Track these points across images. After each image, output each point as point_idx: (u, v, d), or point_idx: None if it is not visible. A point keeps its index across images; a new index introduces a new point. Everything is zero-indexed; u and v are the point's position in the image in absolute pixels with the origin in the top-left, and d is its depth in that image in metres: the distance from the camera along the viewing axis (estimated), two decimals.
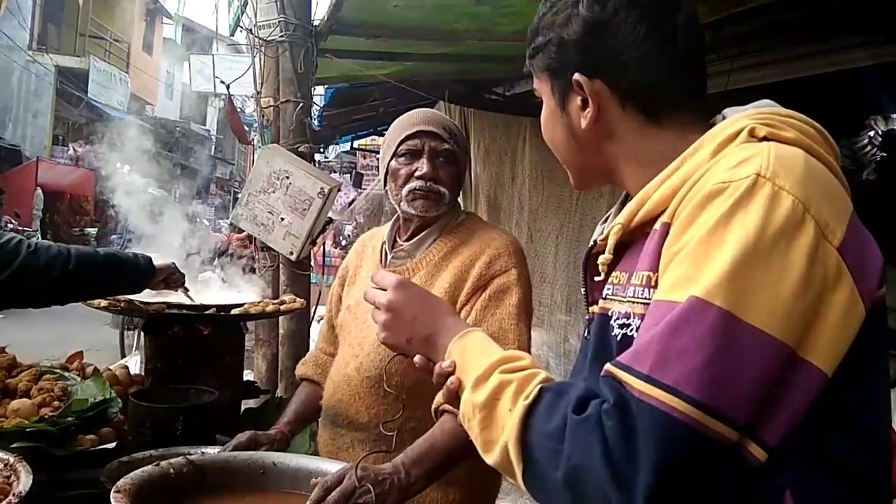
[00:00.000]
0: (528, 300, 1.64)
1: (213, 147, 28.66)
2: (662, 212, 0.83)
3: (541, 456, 0.78)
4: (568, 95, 0.94)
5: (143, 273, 1.93)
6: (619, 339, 0.85)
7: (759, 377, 0.70)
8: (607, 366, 0.76)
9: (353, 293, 1.79)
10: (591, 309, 0.97)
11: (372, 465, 1.32)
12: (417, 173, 1.64)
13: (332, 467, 1.33)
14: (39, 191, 14.75)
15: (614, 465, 0.70)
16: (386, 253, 1.76)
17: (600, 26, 0.90)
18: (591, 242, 0.94)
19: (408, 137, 1.66)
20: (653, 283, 0.81)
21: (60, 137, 18.10)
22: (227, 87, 4.24)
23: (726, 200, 0.74)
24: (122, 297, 2.02)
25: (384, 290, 1.06)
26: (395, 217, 1.79)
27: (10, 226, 11.52)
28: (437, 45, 4.04)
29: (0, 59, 15.49)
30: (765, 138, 0.81)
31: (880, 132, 4.44)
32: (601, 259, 0.90)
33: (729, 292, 0.71)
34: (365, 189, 9.60)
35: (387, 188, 1.73)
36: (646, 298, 0.81)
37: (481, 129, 4.54)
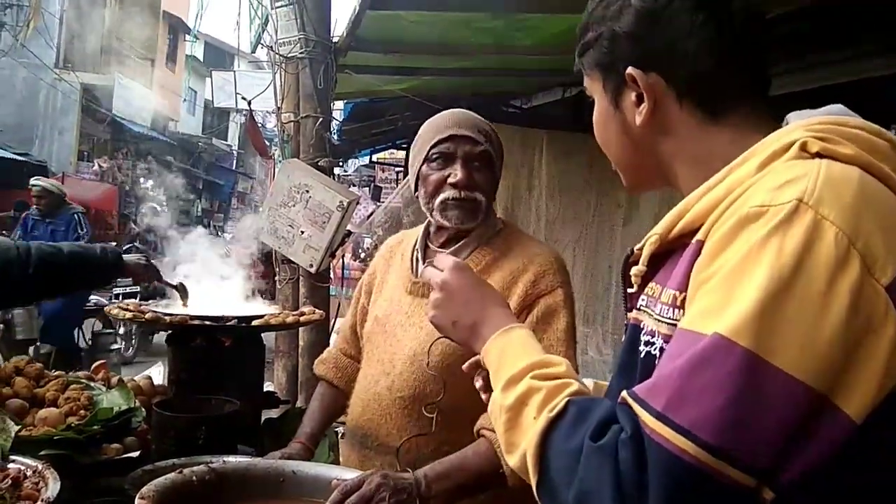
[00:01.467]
0: (573, 322, 1.56)
1: (235, 162, 28.97)
2: (702, 225, 0.77)
3: (556, 473, 0.76)
4: (622, 91, 0.90)
5: (111, 268, 1.97)
6: (643, 356, 0.82)
7: (783, 424, 0.65)
8: (624, 393, 0.74)
9: (381, 303, 1.70)
10: (628, 315, 0.93)
11: (393, 474, 1.31)
12: (451, 180, 1.54)
13: (350, 475, 1.34)
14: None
15: (623, 497, 0.67)
16: (417, 260, 1.66)
17: (654, 16, 0.85)
18: (629, 250, 0.90)
19: (440, 141, 1.56)
20: (678, 304, 0.77)
21: (86, 153, 18.42)
22: (249, 102, 4.32)
23: (762, 227, 0.69)
24: (146, 309, 2.06)
25: (442, 270, 1.06)
26: (426, 222, 1.70)
27: None
28: (454, 60, 4.09)
29: (28, 77, 15.83)
30: (818, 154, 0.74)
31: None
32: (634, 270, 0.86)
33: (756, 332, 0.66)
34: (383, 202, 9.65)
35: (417, 194, 1.64)
36: (671, 319, 0.78)
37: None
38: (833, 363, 0.65)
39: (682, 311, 0.76)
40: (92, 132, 18.58)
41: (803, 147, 0.75)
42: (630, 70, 0.87)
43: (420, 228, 1.73)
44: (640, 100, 0.88)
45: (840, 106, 0.82)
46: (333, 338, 2.06)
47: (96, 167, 17.63)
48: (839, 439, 0.66)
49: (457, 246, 1.62)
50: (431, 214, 1.61)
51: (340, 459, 1.80)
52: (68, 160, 17.31)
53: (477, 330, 1.00)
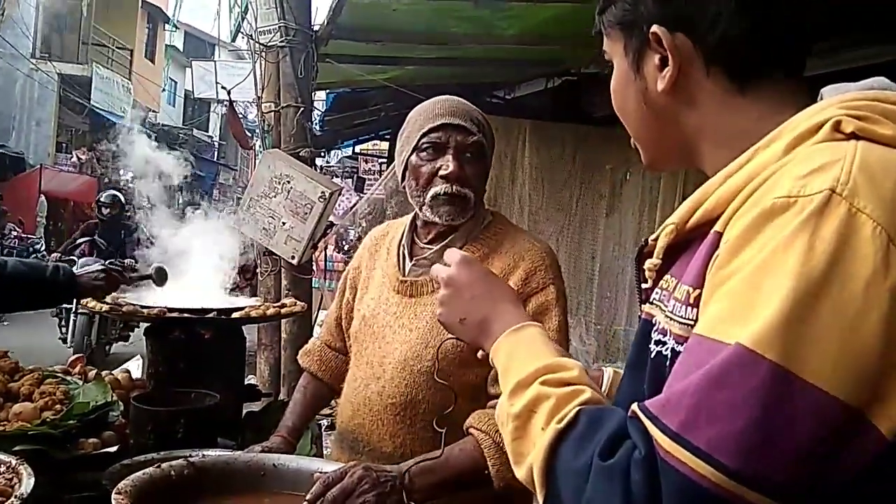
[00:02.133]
0: (566, 319, 1.50)
1: (217, 153, 28.74)
2: (721, 213, 0.70)
3: (564, 491, 0.70)
4: (644, 54, 0.81)
5: (62, 290, 1.85)
6: (653, 355, 0.76)
7: (813, 444, 0.58)
8: (635, 407, 0.67)
9: (367, 301, 1.64)
10: (642, 307, 0.86)
11: (375, 466, 1.29)
12: (442, 172, 1.47)
13: (332, 468, 1.32)
14: (43, 198, 14.80)
15: None
16: (404, 256, 1.61)
17: None
18: (643, 241, 0.82)
19: (431, 130, 1.49)
20: (691, 301, 0.70)
21: (64, 145, 18.16)
22: (228, 92, 4.26)
23: (789, 222, 0.61)
24: (123, 302, 2.03)
25: (449, 265, 1.01)
26: (412, 215, 1.64)
27: (14, 233, 11.54)
28: (438, 49, 4.06)
29: (3, 67, 15.56)
30: (853, 135, 0.65)
31: None
32: (648, 264, 0.78)
33: (784, 342, 0.58)
34: (367, 193, 9.61)
35: (404, 184, 1.58)
36: (683, 318, 0.71)
37: None
38: (870, 376, 0.58)
39: (695, 309, 0.69)
40: (70, 123, 18.33)
41: (836, 126, 0.66)
42: (655, 29, 0.77)
43: (406, 220, 1.67)
44: (663, 63, 0.79)
45: (882, 79, 0.73)
46: (317, 330, 2.03)
47: (75, 159, 17.40)
48: (870, 457, 0.59)
49: (444, 242, 1.56)
50: (421, 209, 1.54)
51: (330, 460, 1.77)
52: (46, 151, 17.06)
53: (486, 327, 0.95)
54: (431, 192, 1.50)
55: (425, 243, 1.59)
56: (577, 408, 0.73)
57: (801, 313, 0.59)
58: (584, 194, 4.25)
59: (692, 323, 0.69)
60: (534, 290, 1.47)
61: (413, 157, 1.53)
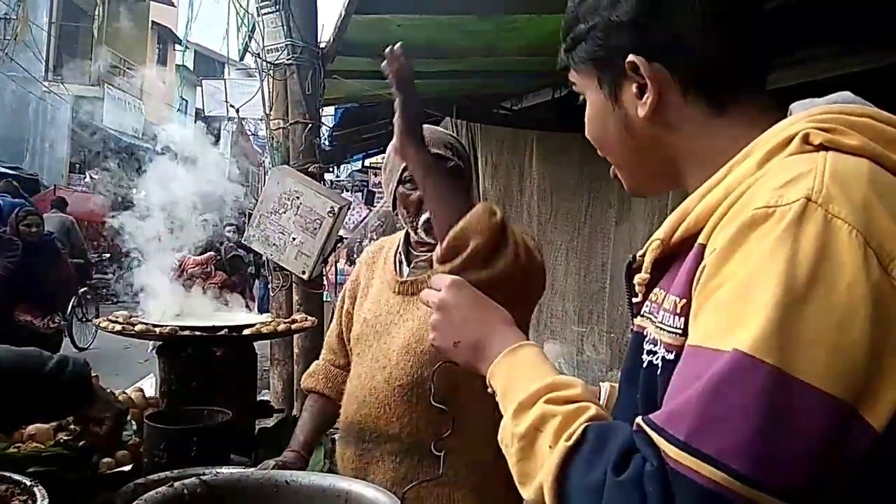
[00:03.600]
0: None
1: (227, 170, 28.84)
2: (703, 227, 0.73)
3: None
4: (620, 84, 0.83)
5: (69, 393, 1.30)
6: (644, 366, 0.77)
7: (816, 442, 0.60)
8: (640, 421, 0.68)
9: (368, 305, 1.74)
10: (633, 321, 0.88)
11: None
12: None
13: (345, 484, 1.32)
14: None
15: None
16: (401, 262, 1.71)
17: (655, 1, 0.79)
18: (631, 257, 0.85)
19: None
20: (679, 311, 0.72)
21: (77, 165, 18.36)
22: (237, 110, 4.31)
23: (771, 231, 0.64)
24: (136, 321, 2.04)
25: (439, 289, 1.00)
26: (405, 230, 1.74)
27: None
28: (443, 63, 4.08)
29: (17, 90, 15.78)
30: (821, 146, 0.69)
31: None
32: (638, 279, 0.81)
33: (779, 345, 0.61)
34: (377, 207, 9.65)
35: (397, 213, 1.70)
36: (672, 327, 0.73)
37: (488, 143, 4.57)
38: (859, 371, 0.61)
39: (682, 318, 0.72)
40: (83, 144, 18.54)
41: (805, 139, 0.70)
42: (632, 58, 0.80)
43: (400, 234, 1.78)
44: (641, 91, 0.81)
45: (847, 93, 0.77)
46: (332, 328, 2.03)
47: (88, 179, 17.58)
48: (863, 450, 0.61)
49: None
50: (416, 233, 1.67)
51: (337, 460, 1.80)
52: (60, 173, 17.25)
53: (481, 350, 0.94)
54: (423, 217, 1.61)
55: (421, 251, 1.70)
56: (584, 424, 0.73)
57: (791, 317, 0.61)
58: (594, 204, 4.24)
59: (680, 332, 0.72)
60: None
61: (399, 189, 1.66)
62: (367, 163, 10.87)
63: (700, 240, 0.72)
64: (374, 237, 7.83)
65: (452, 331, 0.97)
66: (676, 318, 0.73)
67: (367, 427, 1.64)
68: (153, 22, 21.20)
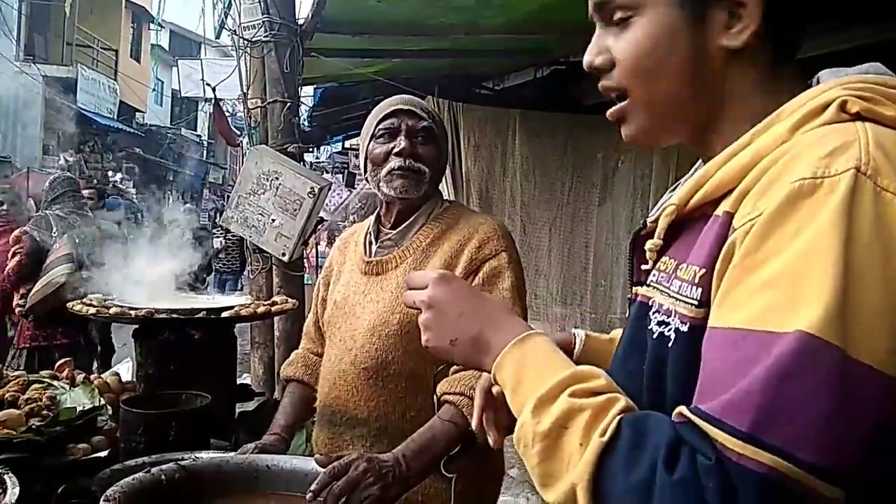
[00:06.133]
0: (521, 283, 1.61)
1: (205, 152, 28.59)
2: (725, 194, 0.70)
3: None
4: (710, 4, 0.74)
5: None
6: (655, 336, 0.74)
7: (881, 429, 0.58)
8: (685, 412, 0.64)
9: (339, 289, 1.75)
10: (634, 290, 0.86)
11: (376, 457, 1.33)
12: (395, 150, 1.60)
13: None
14: (31, 202, 14.69)
15: None
16: (370, 243, 1.72)
17: None
18: (641, 223, 0.82)
19: (385, 117, 1.63)
20: (697, 281, 0.69)
21: (51, 147, 18.02)
22: (213, 89, 4.22)
23: (823, 203, 0.60)
24: (110, 304, 1.99)
25: (423, 287, 0.90)
26: (377, 208, 1.77)
27: None
28: (424, 41, 4.02)
29: None
30: (858, 115, 0.66)
31: None
32: (649, 244, 0.77)
33: (843, 326, 0.57)
34: (357, 188, 9.58)
35: (367, 175, 1.70)
36: (689, 298, 0.70)
37: (470, 123, 4.52)
38: None
39: (700, 289, 0.69)
40: (56, 126, 18.18)
41: (842, 107, 0.67)
42: None
43: (371, 218, 1.79)
44: (731, 18, 0.73)
45: (877, 64, 0.74)
46: (310, 317, 2.01)
47: (62, 161, 17.26)
48: None
49: (406, 223, 1.67)
50: (379, 188, 1.66)
51: (312, 444, 1.79)
52: (33, 155, 16.91)
53: (482, 344, 0.84)
54: (386, 167, 1.62)
55: (389, 228, 1.71)
56: (618, 417, 0.67)
57: (853, 296, 0.58)
58: (577, 184, 4.22)
59: (696, 303, 0.69)
60: (487, 256, 1.58)
61: (371, 145, 1.66)
62: (347, 144, 10.77)
63: (725, 207, 0.69)
64: (355, 219, 7.77)
65: (447, 328, 0.87)
66: (694, 288, 0.70)
67: (337, 410, 1.65)
68: (127, 1, 20.74)
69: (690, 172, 0.92)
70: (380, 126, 1.64)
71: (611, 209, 4.11)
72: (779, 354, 0.58)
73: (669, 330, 0.72)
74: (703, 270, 0.69)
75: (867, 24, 2.92)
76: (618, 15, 0.77)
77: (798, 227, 0.61)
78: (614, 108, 0.80)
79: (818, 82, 0.74)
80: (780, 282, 0.61)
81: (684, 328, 0.71)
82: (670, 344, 0.72)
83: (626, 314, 0.90)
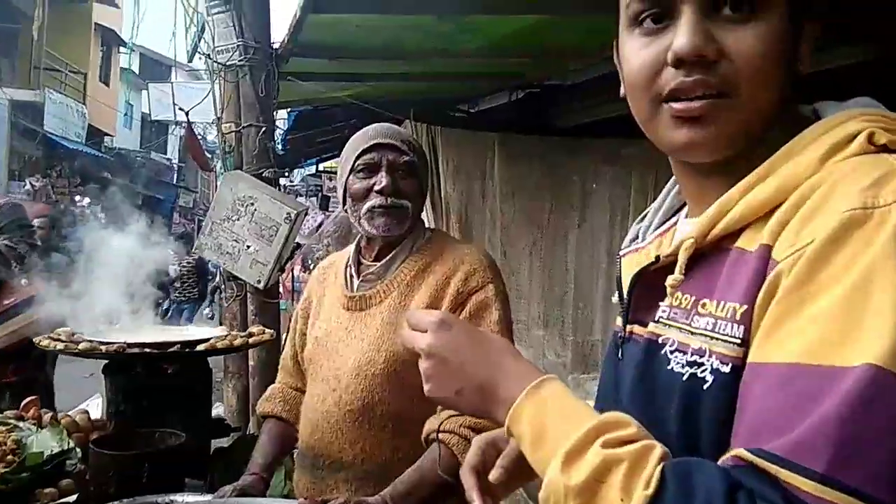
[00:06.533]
0: (508, 316, 1.58)
1: (176, 176, 28.32)
2: (745, 227, 0.69)
3: None
4: (802, 29, 0.73)
5: None
6: (685, 377, 0.70)
7: None
8: (743, 454, 0.60)
9: (320, 324, 1.70)
10: (629, 328, 0.83)
11: (361, 499, 1.31)
12: (376, 188, 1.56)
13: None
14: None
15: None
16: (352, 276, 1.67)
17: None
18: (654, 258, 0.78)
19: (364, 151, 1.58)
20: (738, 318, 0.66)
21: (17, 172, 17.67)
22: (186, 114, 4.15)
23: (876, 233, 0.59)
24: (78, 338, 1.91)
25: (423, 331, 0.83)
26: (357, 238, 1.72)
27: None
28: (400, 65, 4.00)
29: None
30: (884, 147, 0.66)
31: None
32: (671, 280, 0.73)
33: None
34: (332, 212, 9.51)
35: (345, 207, 1.66)
36: (732, 337, 0.67)
37: (449, 146, 4.51)
38: None
39: (742, 327, 0.65)
40: (23, 150, 17.84)
41: (870, 139, 0.67)
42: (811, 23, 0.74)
43: (350, 247, 1.73)
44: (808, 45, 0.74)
45: (868, 98, 0.74)
46: (287, 350, 1.93)
47: (28, 186, 16.93)
48: None
49: (389, 257, 1.64)
50: (360, 224, 1.61)
51: (294, 486, 1.73)
52: None
53: (491, 392, 0.78)
54: (367, 205, 1.57)
55: (370, 261, 1.66)
56: (660, 466, 0.62)
57: None
58: (556, 206, 4.21)
59: (738, 342, 0.66)
60: (473, 288, 1.55)
61: (350, 179, 1.61)
62: (321, 167, 10.70)
63: (762, 240, 0.66)
64: (330, 242, 7.69)
65: (451, 378, 0.80)
66: (735, 326, 0.66)
67: (321, 453, 1.59)
68: (96, 24, 20.54)
69: (661, 197, 0.90)
70: (359, 160, 1.59)
71: (590, 231, 4.11)
72: (848, 390, 0.55)
73: (704, 371, 0.68)
74: (745, 307, 0.66)
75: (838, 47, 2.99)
76: (746, 8, 0.69)
77: (852, 257, 0.59)
78: (707, 101, 0.71)
79: (815, 113, 0.74)
80: (836, 313, 0.58)
81: (725, 368, 0.67)
82: (706, 386, 0.68)
83: (620, 353, 0.85)
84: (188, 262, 11.41)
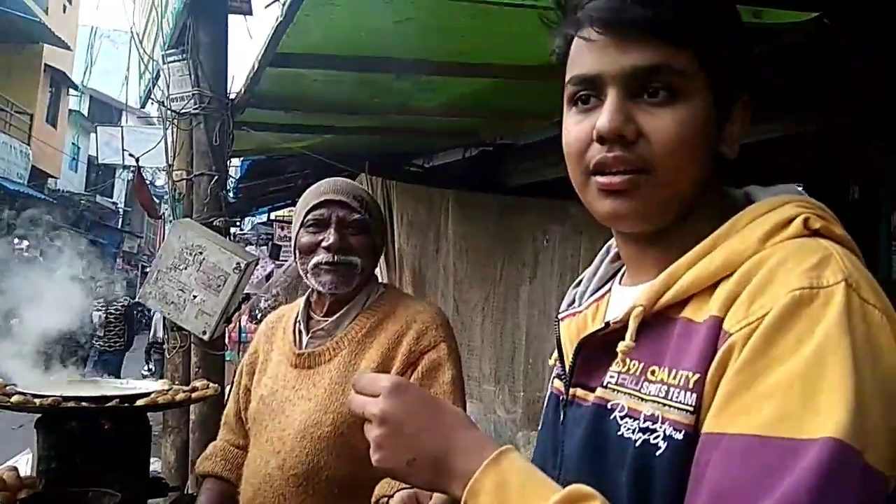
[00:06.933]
0: (460, 375, 1.56)
1: (121, 220, 27.68)
2: (690, 298, 0.73)
3: None
4: (732, 106, 0.79)
5: None
6: (637, 444, 0.72)
7: None
8: None
9: (266, 381, 1.65)
10: (571, 391, 0.84)
11: None
12: (324, 244, 1.55)
13: None
14: None
15: None
16: (300, 332, 1.64)
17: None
18: (603, 324, 0.80)
19: (314, 207, 1.58)
20: (691, 386, 0.69)
21: None
22: (137, 160, 4.09)
23: (824, 311, 0.64)
24: (11, 391, 1.82)
25: (375, 395, 0.79)
26: (307, 293, 1.69)
27: None
28: (357, 119, 4.05)
29: None
30: (817, 231, 0.72)
31: None
32: (622, 346, 0.76)
33: (861, 431, 0.59)
34: (283, 260, 9.40)
35: (296, 261, 1.65)
36: (685, 404, 0.69)
37: (404, 201, 4.54)
38: None
39: (695, 395, 0.68)
40: None
41: (805, 223, 0.72)
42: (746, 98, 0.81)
43: (300, 301, 1.70)
44: (730, 127, 0.80)
45: (792, 186, 0.81)
46: (230, 406, 1.86)
47: None
48: None
49: (340, 313, 1.61)
50: (308, 279, 1.60)
51: None
52: None
53: (444, 465, 0.75)
54: (314, 260, 1.56)
55: (321, 317, 1.63)
56: None
57: (863, 402, 0.60)
58: (508, 263, 4.25)
59: (691, 409, 0.69)
60: (426, 347, 1.53)
61: (300, 232, 1.60)
62: (273, 215, 10.62)
63: (712, 311, 0.70)
64: (279, 292, 7.57)
65: (404, 447, 0.76)
66: (688, 393, 0.69)
67: None
68: (46, 65, 20.24)
69: (595, 264, 0.95)
70: (309, 215, 1.58)
71: (541, 288, 4.15)
72: (815, 462, 0.58)
73: (657, 437, 0.70)
74: (697, 375, 0.69)
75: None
76: (662, 94, 0.75)
77: (802, 333, 0.63)
78: (627, 177, 0.76)
79: (746, 196, 0.81)
80: (793, 386, 0.62)
81: (678, 436, 0.69)
82: (658, 453, 0.70)
83: (562, 416, 0.86)
84: (115, 309, 10.16)
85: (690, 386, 0.69)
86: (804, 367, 0.62)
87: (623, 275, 0.91)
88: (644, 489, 0.70)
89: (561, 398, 0.88)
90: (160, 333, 9.38)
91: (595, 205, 0.80)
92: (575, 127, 0.80)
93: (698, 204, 0.79)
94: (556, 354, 0.94)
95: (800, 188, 0.80)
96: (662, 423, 0.70)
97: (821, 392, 0.61)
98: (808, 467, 0.58)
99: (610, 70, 0.76)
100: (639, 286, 0.82)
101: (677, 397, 0.70)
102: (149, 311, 11.67)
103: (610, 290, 0.91)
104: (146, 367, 11.98)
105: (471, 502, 0.71)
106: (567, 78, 0.81)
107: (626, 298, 0.83)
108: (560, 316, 0.95)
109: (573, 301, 0.95)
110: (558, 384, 0.90)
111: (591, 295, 0.93)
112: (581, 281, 0.97)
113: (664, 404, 0.71)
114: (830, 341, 0.62)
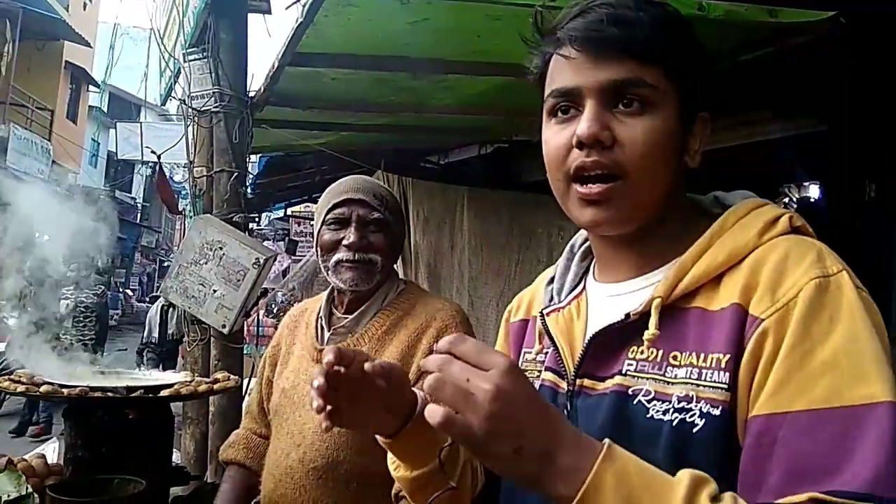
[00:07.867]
0: None
1: (140, 215, 27.95)
2: (698, 289, 0.82)
3: None
4: (693, 128, 0.89)
5: None
6: (674, 423, 0.78)
7: None
8: (821, 496, 0.67)
9: (287, 374, 1.67)
10: (578, 382, 0.89)
11: None
12: (344, 242, 1.58)
13: None
14: None
15: None
16: (322, 328, 1.66)
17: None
18: (623, 316, 0.85)
19: (336, 206, 1.61)
20: (723, 366, 0.77)
21: None
22: (158, 157, 4.15)
23: (841, 294, 0.75)
24: (40, 381, 1.88)
25: (484, 369, 0.69)
26: (329, 289, 1.71)
27: None
28: (374, 117, 4.08)
29: None
30: (797, 229, 0.84)
31: (794, 199, 4.71)
32: (648, 335, 0.83)
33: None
34: (299, 256, 9.47)
35: (318, 258, 1.67)
36: (721, 383, 0.77)
37: (419, 197, 4.57)
38: None
39: (729, 374, 0.77)
40: None
41: (790, 221, 0.84)
42: (705, 115, 0.91)
43: (323, 296, 1.72)
44: (693, 141, 0.90)
45: (747, 192, 0.92)
46: (247, 400, 1.90)
47: None
48: None
49: (359, 310, 1.63)
50: (329, 276, 1.62)
51: None
52: None
53: (550, 460, 0.69)
54: (335, 258, 1.59)
55: (342, 313, 1.65)
56: None
57: (891, 365, 0.72)
58: (523, 259, 4.27)
59: (726, 386, 0.77)
60: None
61: (321, 230, 1.63)
62: (289, 211, 10.69)
63: (734, 299, 0.79)
64: (296, 287, 7.64)
65: (514, 433, 0.68)
66: (722, 373, 0.77)
67: None
68: (67, 62, 20.48)
69: (564, 264, 1.03)
70: (330, 213, 1.61)
71: None
72: (886, 422, 0.68)
73: (692, 416, 0.78)
74: (728, 356, 0.77)
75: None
76: (636, 105, 0.83)
77: (832, 313, 0.74)
78: (604, 187, 0.84)
79: (715, 199, 0.92)
80: (839, 361, 0.72)
81: (716, 412, 0.77)
82: (696, 430, 0.77)
83: (568, 406, 0.89)
84: (88, 298, 8.71)
85: (723, 366, 0.77)
86: (843, 343, 0.72)
87: (594, 272, 0.99)
88: (679, 464, 0.72)
89: (561, 390, 0.92)
90: (155, 333, 9.15)
91: (575, 213, 0.88)
92: (555, 136, 0.88)
93: (667, 208, 0.88)
94: (537, 347, 1.00)
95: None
96: (697, 402, 0.78)
97: (863, 363, 0.71)
98: (880, 427, 0.67)
99: (588, 83, 0.84)
100: (621, 283, 0.91)
101: (711, 377, 0.78)
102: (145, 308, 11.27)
103: (584, 287, 0.99)
104: (138, 370, 11.77)
105: (592, 498, 0.67)
106: (547, 92, 0.89)
107: (603, 294, 0.94)
108: (545, 312, 1.00)
109: (552, 297, 1.02)
110: (551, 377, 0.95)
111: (570, 292, 1.00)
112: (553, 278, 1.04)
113: (697, 384, 0.79)
114: (856, 319, 0.73)
